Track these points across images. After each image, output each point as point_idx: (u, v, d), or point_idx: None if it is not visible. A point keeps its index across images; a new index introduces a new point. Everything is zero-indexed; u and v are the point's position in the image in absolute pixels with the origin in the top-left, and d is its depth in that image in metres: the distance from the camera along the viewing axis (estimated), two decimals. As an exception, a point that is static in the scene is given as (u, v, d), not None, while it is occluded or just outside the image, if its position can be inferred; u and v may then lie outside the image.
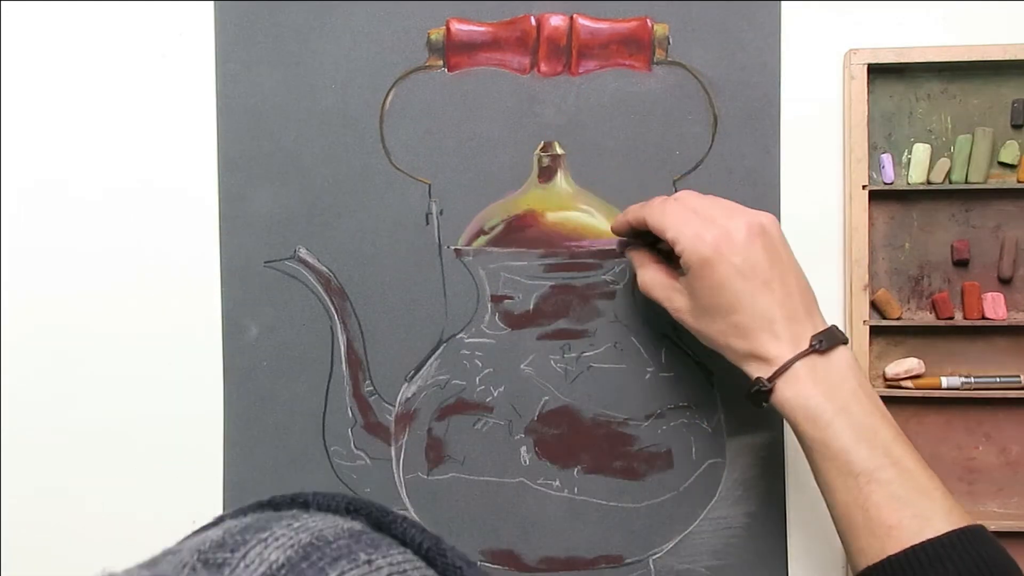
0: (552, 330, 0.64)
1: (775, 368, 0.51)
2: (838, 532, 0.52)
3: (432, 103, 0.64)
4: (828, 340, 0.52)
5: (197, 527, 0.35)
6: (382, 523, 0.33)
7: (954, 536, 0.47)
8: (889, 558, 0.48)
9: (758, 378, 0.52)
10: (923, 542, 0.47)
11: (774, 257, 0.53)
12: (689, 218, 0.53)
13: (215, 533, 0.31)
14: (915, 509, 0.48)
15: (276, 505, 0.35)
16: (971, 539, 0.48)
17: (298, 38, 0.64)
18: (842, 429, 0.50)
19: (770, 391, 0.52)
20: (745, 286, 0.52)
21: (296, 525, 0.31)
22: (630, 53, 0.63)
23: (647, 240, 0.59)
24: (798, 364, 0.51)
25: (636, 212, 0.57)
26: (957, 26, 0.63)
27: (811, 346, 0.51)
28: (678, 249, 0.53)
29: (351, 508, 0.34)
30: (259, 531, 0.31)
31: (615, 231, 0.60)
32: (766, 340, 0.52)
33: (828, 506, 0.52)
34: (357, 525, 0.33)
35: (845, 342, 0.52)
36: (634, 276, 0.60)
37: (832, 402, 0.50)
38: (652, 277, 0.57)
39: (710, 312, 0.53)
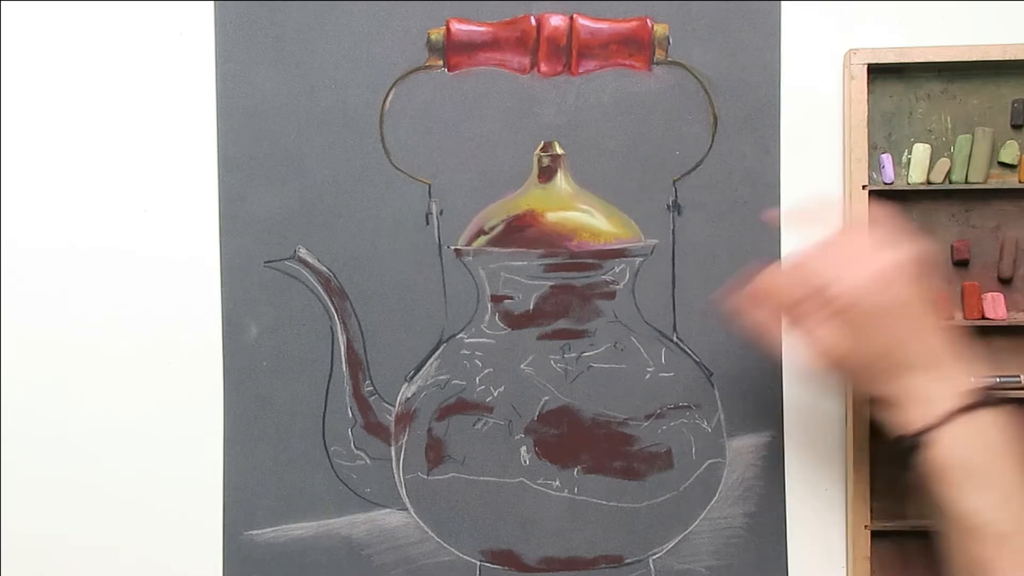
0: (552, 330, 0.64)
1: (939, 414, 0.49)
2: None
3: (432, 103, 0.64)
4: (988, 397, 0.49)
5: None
6: None
7: None
8: None
9: (912, 434, 0.49)
10: None
11: (913, 294, 0.50)
12: (837, 260, 0.51)
13: None
14: None
15: None
16: None
17: (298, 38, 0.64)
18: (992, 489, 0.48)
19: (925, 441, 0.49)
20: (910, 319, 0.50)
21: None
22: (630, 53, 0.63)
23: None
24: (965, 417, 0.49)
25: (763, 287, 0.54)
26: (957, 26, 0.63)
27: (981, 399, 0.49)
28: (835, 291, 0.50)
29: None
30: None
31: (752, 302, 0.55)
32: (930, 379, 0.49)
33: (949, 563, 0.50)
34: None
35: (999, 404, 0.50)
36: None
37: (985, 458, 0.48)
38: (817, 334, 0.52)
39: (865, 348, 0.50)
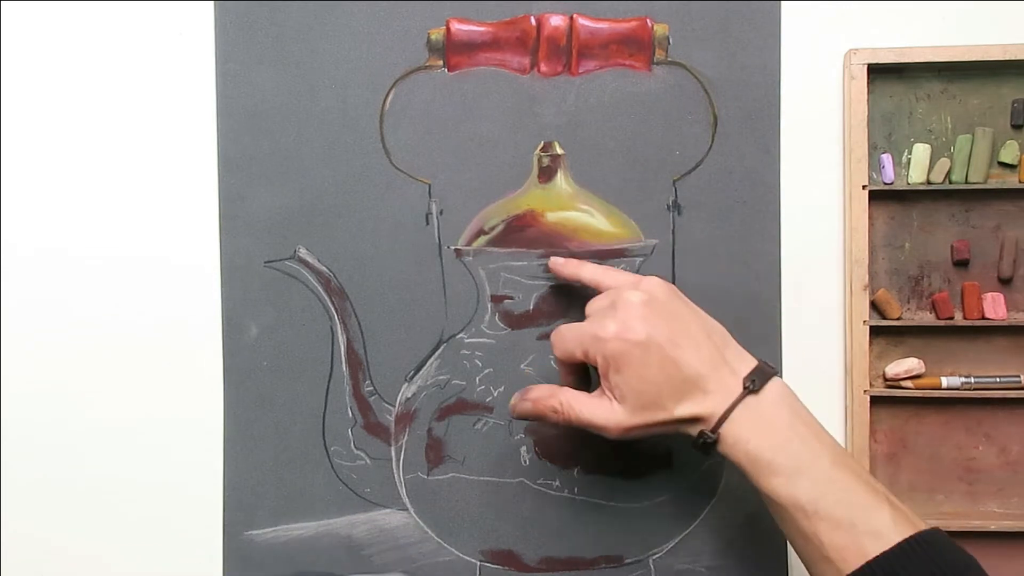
0: (552, 330, 0.63)
1: (713, 421, 0.51)
2: (801, 561, 0.52)
3: (432, 103, 0.64)
4: (760, 379, 0.52)
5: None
6: None
7: (904, 545, 0.48)
8: None
9: (701, 431, 0.52)
10: (875, 557, 0.48)
11: (669, 320, 0.53)
12: (582, 333, 0.54)
13: None
14: (864, 527, 0.49)
15: None
16: (922, 546, 0.48)
17: (298, 38, 0.64)
18: (781, 468, 0.50)
19: (715, 442, 0.52)
20: (655, 365, 0.52)
21: None
22: (630, 53, 0.63)
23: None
24: (736, 411, 0.51)
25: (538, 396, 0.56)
26: (957, 26, 0.63)
27: (745, 388, 0.52)
28: (592, 360, 0.54)
29: None
30: None
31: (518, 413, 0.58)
32: (698, 400, 0.52)
33: (786, 537, 0.52)
34: None
35: (775, 375, 0.53)
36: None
37: (769, 440, 0.51)
38: (581, 404, 0.55)
39: (643, 404, 0.52)
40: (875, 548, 0.48)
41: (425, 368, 0.64)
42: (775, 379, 0.53)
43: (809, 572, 0.52)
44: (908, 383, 0.63)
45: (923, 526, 0.49)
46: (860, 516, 0.49)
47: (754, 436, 0.51)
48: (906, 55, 0.62)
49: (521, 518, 0.64)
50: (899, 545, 0.48)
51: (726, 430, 0.51)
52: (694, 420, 0.52)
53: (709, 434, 0.52)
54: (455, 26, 0.63)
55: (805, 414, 0.52)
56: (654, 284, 0.55)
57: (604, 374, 0.53)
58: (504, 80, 0.64)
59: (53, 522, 0.66)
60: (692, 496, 0.64)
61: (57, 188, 0.65)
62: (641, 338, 0.52)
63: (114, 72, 0.65)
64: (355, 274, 0.64)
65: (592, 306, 0.56)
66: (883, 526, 0.49)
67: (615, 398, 0.53)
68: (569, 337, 0.55)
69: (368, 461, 0.64)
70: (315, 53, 0.64)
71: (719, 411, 0.51)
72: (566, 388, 0.56)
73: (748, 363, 0.53)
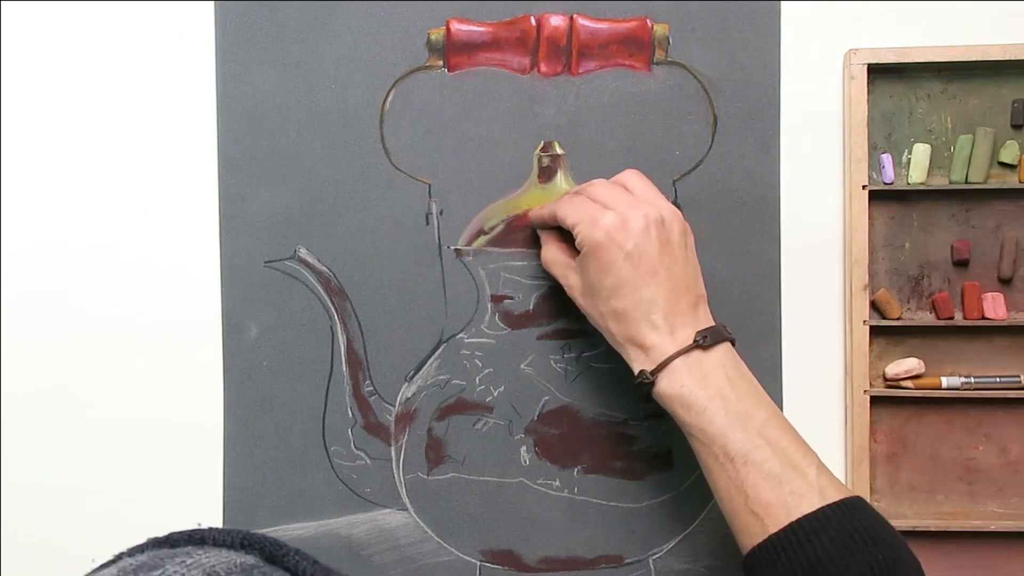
0: (552, 330, 0.64)
1: (657, 361, 0.53)
2: (725, 516, 0.53)
3: (432, 103, 0.64)
4: (712, 337, 0.53)
5: (96, 565, 0.37)
6: (275, 556, 0.36)
7: (828, 510, 0.49)
8: (770, 536, 0.49)
9: (641, 371, 0.53)
10: (799, 518, 0.49)
11: (666, 249, 0.54)
12: (588, 206, 0.55)
13: (109, 572, 0.33)
14: (791, 486, 0.49)
15: (173, 542, 0.37)
16: (845, 511, 0.49)
17: (298, 38, 0.64)
18: (716, 414, 0.51)
19: (652, 384, 0.53)
20: (630, 272, 0.53)
21: (189, 562, 0.33)
22: (630, 53, 0.63)
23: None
24: (678, 360, 0.52)
25: (548, 207, 0.59)
26: (957, 26, 0.63)
27: (695, 342, 0.53)
28: (575, 232, 0.55)
29: (245, 543, 0.36)
30: (152, 569, 0.33)
31: (533, 223, 0.62)
32: (645, 329, 0.53)
33: (712, 491, 0.53)
34: (250, 559, 0.35)
35: (731, 341, 0.54)
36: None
37: (705, 390, 0.52)
38: (553, 255, 0.59)
39: (595, 293, 0.55)
40: (801, 508, 0.49)
41: (425, 368, 0.64)
42: (726, 344, 0.54)
43: (731, 525, 0.52)
44: (908, 383, 0.63)
45: (848, 493, 0.50)
46: (790, 475, 0.50)
47: (690, 383, 0.52)
48: (906, 55, 0.62)
49: (521, 518, 0.64)
50: (823, 508, 0.49)
51: (664, 376, 0.53)
52: (632, 345, 0.54)
53: (648, 375, 0.53)
54: (455, 26, 0.63)
55: (748, 376, 0.54)
56: (672, 212, 0.55)
57: (581, 251, 0.55)
58: (504, 80, 0.64)
59: (53, 522, 0.66)
60: (692, 496, 0.64)
61: (57, 188, 0.65)
62: (628, 248, 0.53)
63: (114, 72, 0.65)
64: (355, 274, 0.64)
65: (600, 189, 0.56)
66: (810, 488, 0.49)
67: (580, 274, 0.56)
68: (577, 203, 0.56)
69: (368, 461, 0.64)
70: (315, 53, 0.64)
71: (664, 352, 0.53)
72: (553, 246, 0.60)
73: (707, 323, 0.54)
